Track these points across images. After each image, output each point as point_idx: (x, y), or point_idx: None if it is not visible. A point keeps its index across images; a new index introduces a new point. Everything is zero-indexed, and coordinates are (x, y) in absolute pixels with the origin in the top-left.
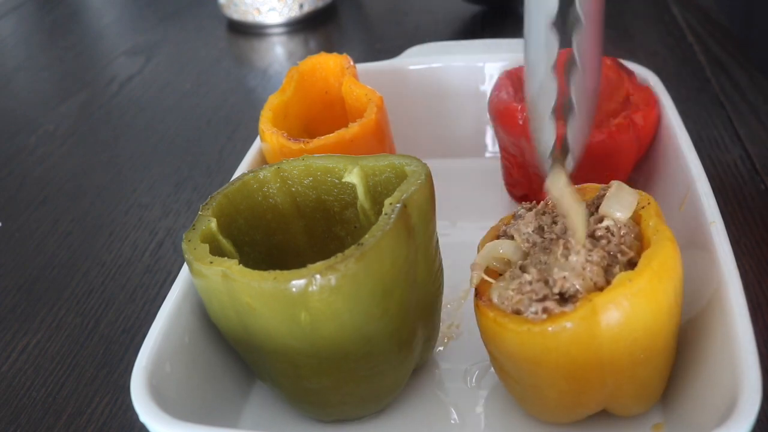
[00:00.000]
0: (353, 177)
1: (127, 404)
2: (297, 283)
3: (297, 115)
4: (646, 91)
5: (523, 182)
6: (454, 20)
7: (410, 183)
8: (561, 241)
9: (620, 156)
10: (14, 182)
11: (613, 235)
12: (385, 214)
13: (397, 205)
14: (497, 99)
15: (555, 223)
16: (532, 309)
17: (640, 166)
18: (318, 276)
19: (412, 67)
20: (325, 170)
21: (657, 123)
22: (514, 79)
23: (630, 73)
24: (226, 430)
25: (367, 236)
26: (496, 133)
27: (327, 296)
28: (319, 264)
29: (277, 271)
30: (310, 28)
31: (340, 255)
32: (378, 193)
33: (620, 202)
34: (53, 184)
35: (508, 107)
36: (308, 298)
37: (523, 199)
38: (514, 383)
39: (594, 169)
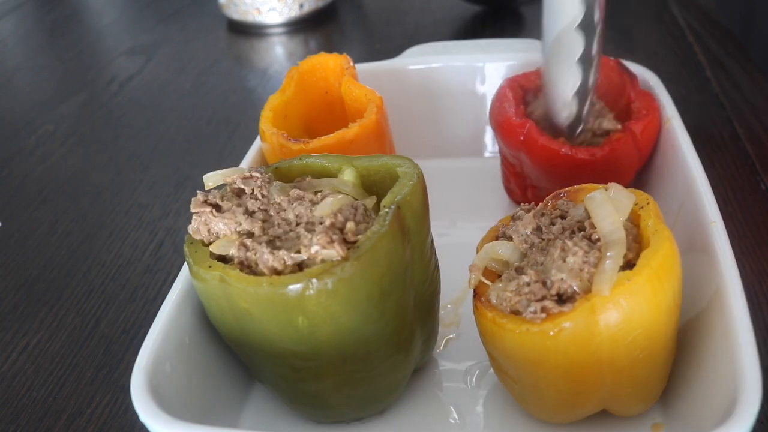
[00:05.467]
0: (348, 177)
1: (127, 404)
2: (293, 287)
3: (297, 115)
4: (648, 97)
5: (520, 191)
6: (454, 20)
7: (403, 184)
8: (558, 243)
9: (622, 167)
10: (14, 182)
11: None
12: (380, 216)
13: (391, 206)
14: (498, 110)
15: (553, 224)
16: (531, 309)
17: (641, 167)
18: (314, 280)
19: (411, 67)
20: (323, 170)
21: (658, 132)
22: (515, 88)
23: (632, 77)
24: (226, 430)
25: (362, 239)
26: (497, 139)
27: (324, 300)
28: (316, 268)
29: (273, 276)
30: (310, 28)
31: (337, 258)
32: (374, 194)
33: (614, 210)
34: (53, 184)
35: (510, 121)
36: (305, 302)
37: (521, 200)
38: (513, 383)
39: (596, 181)
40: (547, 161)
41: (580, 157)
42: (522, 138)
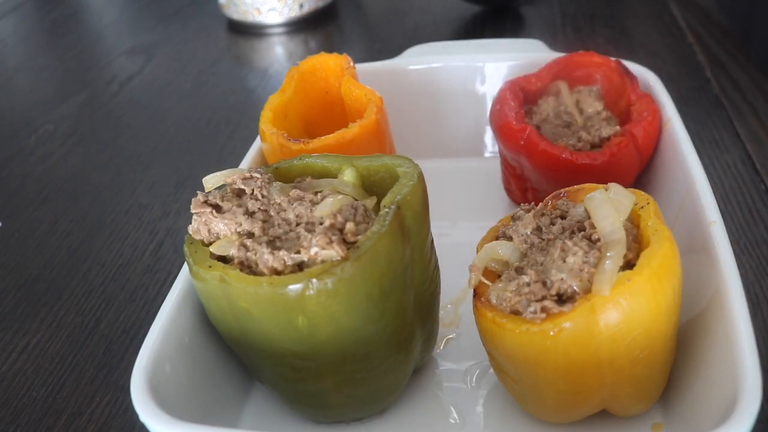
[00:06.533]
0: (348, 177)
1: (127, 404)
2: (293, 287)
3: (297, 115)
4: (648, 99)
5: (520, 193)
6: (454, 20)
7: (403, 184)
8: (558, 243)
9: (623, 171)
10: (14, 182)
11: None
12: (380, 216)
13: (391, 206)
14: (499, 113)
15: (553, 224)
16: (531, 309)
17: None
18: (314, 280)
19: (411, 67)
20: (323, 170)
21: (658, 135)
22: (516, 91)
23: (633, 78)
24: (226, 430)
25: (362, 239)
26: (497, 142)
27: (324, 300)
28: (316, 268)
29: (273, 276)
30: (310, 28)
31: (337, 258)
32: (374, 194)
33: (614, 210)
34: (53, 184)
35: (510, 126)
36: (305, 302)
37: (521, 202)
38: (513, 383)
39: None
40: (548, 166)
41: (580, 162)
42: (522, 142)
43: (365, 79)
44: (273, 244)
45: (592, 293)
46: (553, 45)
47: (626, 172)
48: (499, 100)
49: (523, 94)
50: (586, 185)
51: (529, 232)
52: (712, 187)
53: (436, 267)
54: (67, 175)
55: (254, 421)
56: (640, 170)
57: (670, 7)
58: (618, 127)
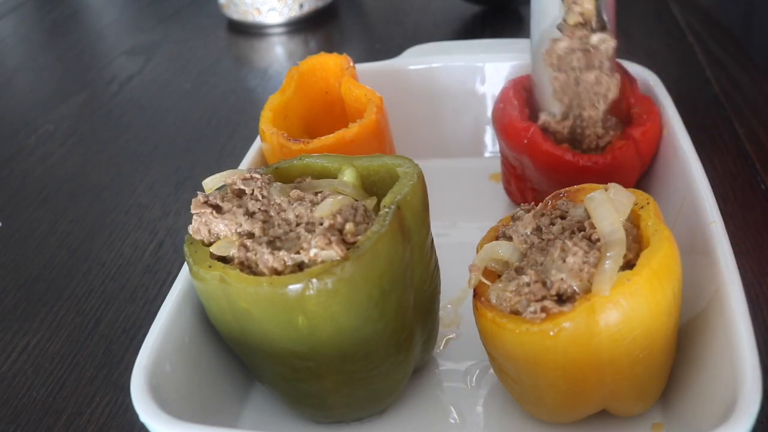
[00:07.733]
0: (348, 177)
1: (127, 404)
2: (293, 287)
3: (297, 115)
4: (647, 102)
5: (519, 193)
6: (454, 20)
7: (403, 184)
8: (558, 243)
9: (624, 173)
10: (14, 182)
11: None
12: (379, 216)
13: (391, 206)
14: (502, 112)
15: (553, 224)
16: (531, 309)
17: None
18: (314, 280)
19: (411, 67)
20: (323, 170)
21: (658, 137)
22: (519, 90)
23: (632, 80)
24: (226, 430)
25: (362, 239)
26: (499, 141)
27: (324, 300)
28: (316, 268)
29: (273, 276)
30: (310, 28)
31: (336, 258)
32: (374, 194)
33: (614, 210)
34: (53, 184)
35: (514, 125)
36: (305, 302)
37: (520, 202)
38: (513, 383)
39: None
40: (550, 166)
41: (582, 164)
42: (525, 141)
43: (365, 79)
44: (273, 244)
45: (592, 293)
46: None
47: (627, 175)
48: (503, 99)
49: (526, 94)
50: (587, 185)
51: (529, 232)
52: (712, 187)
53: (436, 267)
54: (67, 175)
55: (254, 421)
56: (641, 173)
57: (670, 7)
58: (618, 132)
